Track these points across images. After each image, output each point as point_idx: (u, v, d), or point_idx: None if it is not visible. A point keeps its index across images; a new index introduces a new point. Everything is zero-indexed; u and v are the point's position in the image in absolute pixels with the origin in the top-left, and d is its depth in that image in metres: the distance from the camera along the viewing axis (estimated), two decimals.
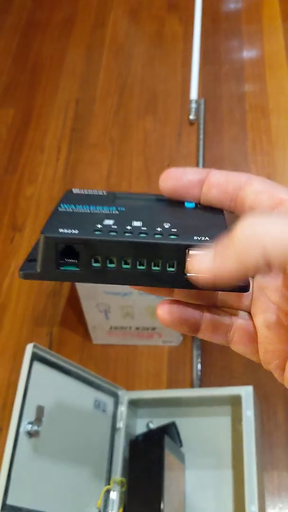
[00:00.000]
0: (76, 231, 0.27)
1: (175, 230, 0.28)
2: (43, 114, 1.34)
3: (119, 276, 0.28)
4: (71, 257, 0.27)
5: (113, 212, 0.29)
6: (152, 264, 0.27)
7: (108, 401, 0.79)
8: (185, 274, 0.27)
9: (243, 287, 0.27)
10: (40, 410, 0.65)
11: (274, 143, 1.17)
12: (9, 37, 1.53)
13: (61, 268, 0.28)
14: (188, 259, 0.26)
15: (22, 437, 0.61)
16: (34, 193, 1.20)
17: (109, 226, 0.27)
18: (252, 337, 0.29)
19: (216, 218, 0.29)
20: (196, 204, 0.30)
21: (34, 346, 0.66)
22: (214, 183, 0.29)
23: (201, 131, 1.21)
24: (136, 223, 0.28)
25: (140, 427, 0.84)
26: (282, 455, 0.81)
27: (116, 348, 0.96)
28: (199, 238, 0.27)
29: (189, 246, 0.27)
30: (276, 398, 0.85)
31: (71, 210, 0.29)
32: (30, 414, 0.64)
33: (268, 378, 0.86)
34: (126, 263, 0.28)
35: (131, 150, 1.22)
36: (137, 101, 1.32)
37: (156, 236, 0.27)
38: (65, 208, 0.29)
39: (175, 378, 0.91)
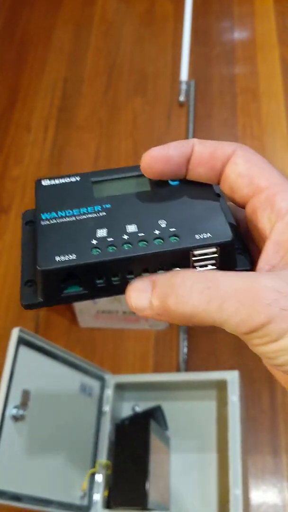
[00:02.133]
0: (74, 256, 0.25)
1: (174, 229, 0.27)
2: (30, 93, 1.31)
3: (124, 288, 0.27)
4: (73, 278, 0.26)
5: (101, 215, 0.27)
6: (158, 269, 0.27)
7: (94, 384, 0.79)
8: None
9: None
10: (26, 394, 0.65)
11: (264, 127, 1.16)
12: None
13: (65, 291, 0.26)
14: (126, 293, 0.26)
15: (8, 421, 0.61)
16: (20, 175, 1.18)
17: (105, 239, 0.26)
18: None
19: (208, 197, 0.28)
20: (179, 180, 0.29)
21: (20, 330, 0.66)
22: (200, 160, 0.28)
23: (191, 114, 1.19)
24: (131, 228, 0.27)
25: (126, 411, 0.84)
26: (266, 439, 0.82)
27: (103, 332, 0.96)
28: (201, 237, 0.26)
29: (193, 249, 0.26)
30: (262, 384, 0.86)
31: (55, 221, 0.27)
32: (15, 398, 0.63)
33: (254, 364, 0.87)
34: (131, 274, 0.27)
35: (119, 131, 1.21)
36: (126, 81, 1.30)
37: (157, 242, 0.26)
38: (48, 220, 0.27)
39: (161, 361, 0.92)
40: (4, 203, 1.14)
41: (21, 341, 0.66)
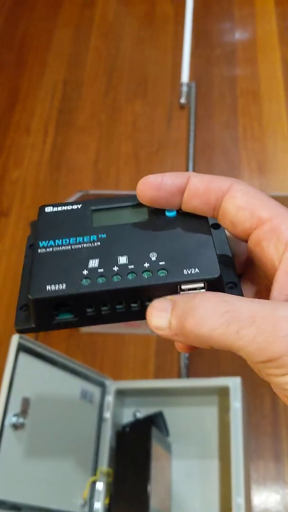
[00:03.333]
0: (64, 286, 0.26)
1: (163, 263, 0.27)
2: (30, 95, 1.30)
3: (114, 317, 0.27)
4: (64, 305, 0.27)
5: (95, 245, 0.28)
6: (146, 301, 0.27)
7: (95, 391, 0.78)
8: None
9: None
10: (25, 402, 0.64)
11: (265, 129, 1.15)
12: None
13: (57, 318, 0.27)
14: (147, 312, 0.26)
15: (8, 430, 0.60)
16: (20, 177, 1.17)
17: (96, 270, 0.27)
18: None
19: (201, 230, 0.28)
20: (177, 211, 0.29)
21: (20, 337, 0.65)
22: (195, 192, 0.28)
23: (192, 115, 1.19)
24: (122, 259, 0.27)
25: (127, 416, 0.83)
26: (268, 445, 0.81)
27: (103, 337, 0.95)
28: (189, 272, 0.27)
29: (180, 283, 0.26)
30: (263, 389, 0.85)
31: (51, 250, 0.28)
32: (15, 406, 0.62)
33: None
34: (120, 304, 0.27)
35: (119, 134, 1.20)
36: (126, 83, 1.29)
37: (145, 274, 0.27)
38: (45, 248, 0.28)
39: (162, 367, 0.91)
40: (4, 206, 1.13)
41: (21, 348, 0.65)
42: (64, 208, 0.30)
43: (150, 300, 0.27)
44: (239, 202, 0.27)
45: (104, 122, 1.23)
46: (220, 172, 1.10)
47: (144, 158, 1.15)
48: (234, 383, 0.74)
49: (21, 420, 0.62)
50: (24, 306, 0.28)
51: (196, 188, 0.28)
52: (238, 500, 0.66)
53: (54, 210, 0.30)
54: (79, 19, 1.44)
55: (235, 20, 1.37)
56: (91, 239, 0.28)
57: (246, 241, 0.28)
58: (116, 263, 0.27)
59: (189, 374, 0.88)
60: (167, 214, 0.29)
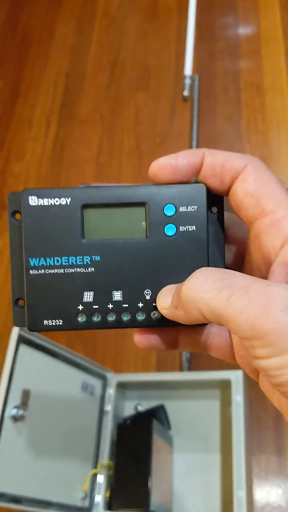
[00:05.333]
0: (60, 322, 0.27)
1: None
2: (32, 88, 1.30)
3: (103, 325, 0.29)
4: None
5: (89, 270, 0.28)
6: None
7: (96, 383, 0.78)
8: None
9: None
10: (25, 394, 0.63)
11: (268, 122, 1.14)
12: None
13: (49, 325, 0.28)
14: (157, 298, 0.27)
15: (7, 422, 0.60)
16: (22, 171, 1.16)
17: (90, 305, 0.27)
18: (228, 343, 0.29)
19: (198, 258, 0.28)
20: (176, 228, 0.28)
21: (21, 328, 0.65)
22: (211, 173, 0.27)
23: (195, 108, 1.18)
24: (117, 295, 0.27)
25: (128, 409, 0.83)
26: (270, 439, 0.81)
27: (105, 330, 0.94)
28: None
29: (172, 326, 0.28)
30: None
31: (43, 272, 0.28)
32: (15, 398, 0.62)
33: None
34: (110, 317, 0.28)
35: (122, 127, 1.19)
36: (129, 76, 1.28)
37: (139, 316, 0.28)
38: (36, 269, 0.28)
39: (164, 360, 0.90)
40: (6, 200, 1.13)
41: (21, 340, 0.65)
42: (51, 201, 0.28)
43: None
44: (248, 187, 0.26)
45: (106, 115, 1.22)
46: None
47: (146, 151, 1.15)
48: (236, 377, 0.74)
49: (21, 412, 0.61)
50: (19, 299, 0.28)
51: (212, 167, 0.27)
52: (239, 493, 0.65)
53: (40, 204, 0.28)
54: (81, 12, 1.43)
55: (238, 13, 1.35)
56: (85, 262, 0.28)
57: (248, 225, 0.27)
58: (110, 299, 0.28)
59: (191, 368, 0.87)
60: (167, 232, 0.28)
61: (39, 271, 0.28)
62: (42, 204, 0.28)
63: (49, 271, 0.28)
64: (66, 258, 0.28)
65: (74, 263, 0.28)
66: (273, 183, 0.26)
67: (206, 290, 0.24)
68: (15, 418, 0.61)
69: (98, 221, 0.28)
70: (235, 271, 0.24)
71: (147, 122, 1.19)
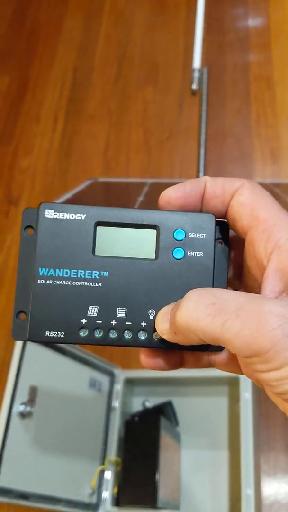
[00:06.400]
0: (62, 334, 0.27)
1: None
2: (40, 83, 1.29)
3: (104, 341, 0.28)
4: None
5: (96, 285, 0.28)
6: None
7: (104, 380, 0.78)
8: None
9: (204, 347, 0.28)
10: (33, 391, 0.63)
11: (278, 115, 1.13)
12: (4, 3, 1.47)
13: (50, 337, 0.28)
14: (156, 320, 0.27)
15: (15, 418, 0.60)
16: (29, 165, 1.16)
17: (94, 320, 0.27)
18: (232, 357, 0.30)
19: (205, 280, 0.28)
20: (185, 253, 0.29)
21: None
22: (213, 195, 0.29)
23: (204, 102, 1.17)
24: (121, 313, 0.28)
25: (136, 406, 0.82)
26: (278, 436, 0.80)
27: None
28: None
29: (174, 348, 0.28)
30: None
31: (51, 282, 0.28)
32: (23, 394, 0.62)
33: None
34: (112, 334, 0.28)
35: (130, 121, 1.19)
36: (137, 70, 1.27)
37: (141, 335, 0.28)
38: (45, 279, 0.28)
39: None
40: (14, 194, 1.13)
41: None
42: (66, 216, 0.28)
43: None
44: (243, 199, 0.27)
45: (114, 110, 1.21)
46: (232, 160, 1.09)
47: (154, 146, 1.14)
48: None
49: (28, 408, 0.61)
50: (20, 312, 0.28)
51: (214, 192, 0.28)
52: (247, 491, 0.65)
53: (55, 217, 0.28)
54: (89, 6, 1.42)
55: (248, 5, 1.34)
56: (93, 276, 0.28)
57: (243, 236, 0.28)
58: (114, 316, 0.28)
59: None
60: (175, 255, 0.29)
61: (47, 281, 0.28)
62: (58, 217, 0.28)
63: (57, 282, 0.28)
64: (75, 271, 0.28)
65: (83, 276, 0.28)
66: (267, 196, 0.28)
67: (199, 318, 0.24)
68: (23, 415, 0.61)
69: (109, 239, 0.28)
70: (224, 290, 0.25)
71: (155, 116, 1.18)
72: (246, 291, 0.30)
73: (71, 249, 0.28)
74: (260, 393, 0.81)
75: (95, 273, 0.28)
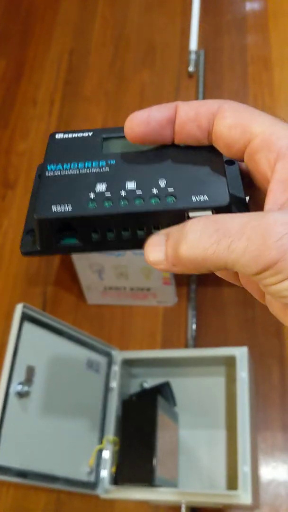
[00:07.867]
0: (69, 207, 0.26)
1: (172, 189, 0.26)
2: (36, 66, 1.28)
3: (120, 244, 0.27)
4: (69, 229, 0.27)
5: (104, 170, 0.28)
6: (152, 228, 0.27)
7: (102, 361, 0.78)
8: None
9: None
10: (30, 371, 0.64)
11: (276, 97, 1.12)
12: None
13: (61, 242, 0.27)
14: (144, 249, 0.26)
15: (12, 398, 0.60)
16: (26, 149, 1.16)
17: (102, 194, 0.26)
18: None
19: (215, 161, 0.27)
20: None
21: (24, 306, 0.65)
22: (186, 119, 0.27)
23: (201, 84, 1.16)
24: (130, 184, 0.27)
25: (134, 387, 0.83)
26: (276, 415, 0.81)
27: (111, 309, 0.94)
28: (198, 199, 0.26)
29: (188, 210, 0.26)
30: (272, 359, 0.84)
31: (59, 173, 0.28)
32: (20, 374, 0.62)
33: (264, 339, 0.85)
34: (125, 231, 0.27)
35: (127, 104, 1.18)
36: (133, 52, 1.26)
37: (153, 201, 0.26)
38: (53, 172, 0.28)
39: (169, 338, 0.90)
40: (11, 178, 1.12)
41: (25, 317, 0.65)
42: (75, 135, 0.30)
43: (157, 228, 0.26)
44: (229, 121, 0.26)
45: (111, 92, 1.20)
46: None
47: None
48: (240, 353, 0.73)
49: (26, 388, 0.62)
50: (30, 231, 0.28)
51: (186, 114, 0.27)
52: (244, 468, 0.65)
53: (64, 137, 0.30)
54: None
55: None
56: (100, 165, 0.28)
57: (243, 161, 0.27)
58: (124, 187, 0.27)
59: (196, 345, 0.87)
60: (180, 144, 0.28)
61: (55, 173, 0.28)
62: (67, 137, 0.30)
63: (65, 172, 0.28)
64: (83, 163, 0.28)
65: (90, 166, 0.28)
66: (252, 110, 0.26)
67: (205, 247, 0.23)
68: (20, 394, 0.61)
69: (116, 144, 0.29)
70: (224, 215, 0.24)
71: (152, 98, 1.18)
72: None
73: (79, 151, 0.29)
74: (257, 374, 0.82)
75: (102, 162, 0.28)
